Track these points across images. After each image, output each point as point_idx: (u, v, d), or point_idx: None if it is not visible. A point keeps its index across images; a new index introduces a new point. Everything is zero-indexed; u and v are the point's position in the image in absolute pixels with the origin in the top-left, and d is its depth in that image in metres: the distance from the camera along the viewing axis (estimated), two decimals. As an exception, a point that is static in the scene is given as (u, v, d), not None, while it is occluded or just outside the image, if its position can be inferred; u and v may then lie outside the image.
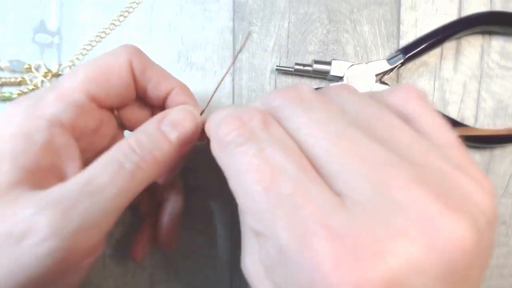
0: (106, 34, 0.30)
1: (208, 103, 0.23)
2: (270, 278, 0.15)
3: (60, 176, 0.19)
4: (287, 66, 0.29)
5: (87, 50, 0.30)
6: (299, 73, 0.29)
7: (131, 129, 0.25)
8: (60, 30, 0.29)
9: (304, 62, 0.29)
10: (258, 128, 0.15)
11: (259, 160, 0.14)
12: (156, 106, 0.24)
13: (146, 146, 0.19)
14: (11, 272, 0.16)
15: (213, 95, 0.23)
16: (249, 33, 0.19)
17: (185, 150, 0.21)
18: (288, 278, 0.13)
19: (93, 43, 0.29)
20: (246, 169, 0.15)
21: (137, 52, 0.22)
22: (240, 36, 0.30)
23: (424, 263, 0.12)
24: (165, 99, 0.23)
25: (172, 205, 0.26)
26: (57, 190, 0.17)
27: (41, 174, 0.19)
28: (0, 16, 0.29)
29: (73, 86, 0.20)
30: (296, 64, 0.29)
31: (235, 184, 0.15)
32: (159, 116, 0.21)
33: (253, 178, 0.14)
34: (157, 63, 0.29)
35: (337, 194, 0.14)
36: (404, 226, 0.12)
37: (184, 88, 0.24)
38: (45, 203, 0.17)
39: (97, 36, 0.29)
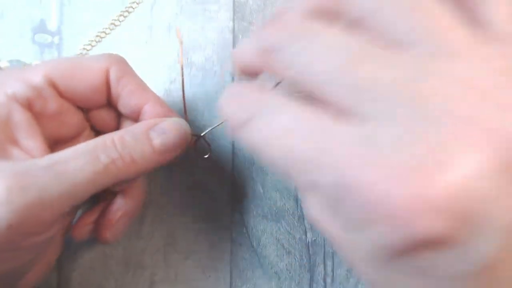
0: (106, 34, 0.30)
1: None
2: (336, 220, 0.14)
3: (23, 150, 0.20)
4: None
5: (87, 50, 0.30)
6: None
7: (98, 128, 0.25)
8: (60, 30, 0.29)
9: None
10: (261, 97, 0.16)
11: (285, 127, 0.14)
12: (125, 115, 0.24)
13: (128, 145, 0.20)
14: None
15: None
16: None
17: (167, 159, 0.22)
18: (351, 212, 0.13)
19: (93, 43, 0.30)
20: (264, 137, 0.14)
21: (120, 61, 0.23)
22: (240, 36, 0.30)
23: (488, 168, 0.11)
24: (136, 110, 0.23)
25: (121, 205, 0.25)
26: (24, 164, 0.18)
27: (2, 146, 0.19)
28: (0, 16, 0.29)
29: (36, 70, 0.21)
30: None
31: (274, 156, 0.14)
32: (150, 122, 0.22)
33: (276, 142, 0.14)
34: (157, 63, 0.30)
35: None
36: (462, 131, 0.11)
37: (161, 102, 0.24)
38: (7, 173, 0.17)
39: (97, 36, 0.29)
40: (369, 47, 0.13)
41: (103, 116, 0.24)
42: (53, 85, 0.21)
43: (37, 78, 0.21)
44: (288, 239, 0.30)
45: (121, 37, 0.30)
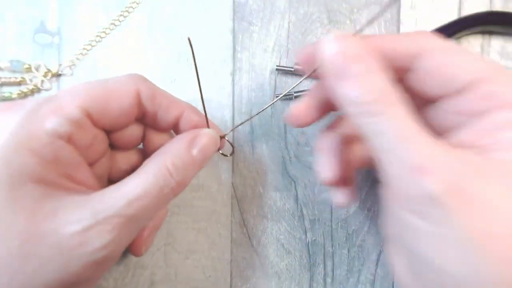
0: (106, 34, 0.30)
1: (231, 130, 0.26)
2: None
3: (77, 183, 0.21)
4: (287, 66, 0.29)
5: (87, 50, 0.30)
6: (299, 73, 0.29)
7: (117, 146, 0.25)
8: (60, 30, 0.29)
9: None
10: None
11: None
12: (163, 129, 0.25)
13: (181, 172, 0.21)
14: (60, 277, 0.18)
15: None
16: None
17: (203, 166, 0.23)
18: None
19: (93, 43, 0.29)
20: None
21: (144, 80, 0.23)
22: (240, 36, 0.30)
23: None
24: (175, 122, 0.24)
25: (156, 217, 0.26)
26: (102, 206, 0.19)
27: (59, 184, 0.20)
28: (0, 16, 0.29)
29: (69, 101, 0.20)
30: (296, 64, 0.29)
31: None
32: (188, 137, 0.23)
33: None
34: (157, 63, 0.30)
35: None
36: None
37: (194, 109, 0.24)
38: (94, 218, 0.18)
39: (97, 36, 0.29)
40: None
41: (126, 134, 0.24)
42: (88, 115, 0.21)
43: (73, 110, 0.20)
44: (288, 239, 0.30)
45: (121, 37, 0.30)
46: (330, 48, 0.18)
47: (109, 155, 0.25)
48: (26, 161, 0.18)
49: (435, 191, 0.15)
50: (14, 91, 0.29)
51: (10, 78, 0.29)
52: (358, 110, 0.18)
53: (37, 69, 0.29)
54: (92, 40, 0.29)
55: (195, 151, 0.22)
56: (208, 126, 0.24)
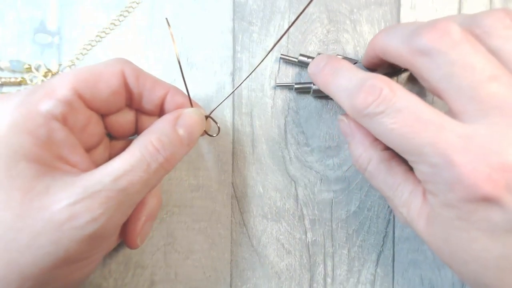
0: (106, 34, 0.30)
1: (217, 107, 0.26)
2: (426, 190, 0.21)
3: (70, 165, 0.21)
4: (292, 56, 0.29)
5: (87, 50, 0.30)
6: (303, 64, 0.29)
7: (113, 134, 0.25)
8: (60, 30, 0.29)
9: (309, 54, 0.29)
10: (389, 95, 0.20)
11: (399, 119, 0.20)
12: (150, 112, 0.25)
13: (168, 147, 0.22)
14: (50, 252, 0.19)
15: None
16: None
17: (192, 147, 0.24)
18: (439, 185, 0.19)
19: (93, 43, 0.30)
20: (391, 128, 0.20)
21: (129, 63, 0.23)
22: (240, 36, 0.30)
23: None
24: (160, 104, 0.24)
25: (149, 205, 0.25)
26: (91, 183, 0.20)
27: (53, 165, 0.20)
28: (0, 16, 0.29)
29: (62, 83, 0.21)
30: (301, 55, 0.29)
31: (385, 138, 0.21)
32: (171, 117, 0.23)
33: (399, 131, 0.20)
34: (157, 63, 0.30)
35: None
36: None
37: (178, 90, 0.25)
38: (82, 194, 0.19)
39: (97, 36, 0.29)
40: (500, 71, 0.19)
41: (119, 119, 0.25)
42: (80, 96, 0.21)
43: (66, 91, 0.21)
44: (288, 239, 0.30)
45: (121, 37, 0.30)
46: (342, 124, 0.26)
47: (107, 144, 0.25)
48: (22, 141, 0.19)
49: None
50: (14, 91, 0.29)
51: (10, 78, 0.29)
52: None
53: (37, 69, 0.29)
54: (92, 40, 0.29)
55: (180, 130, 0.23)
56: (191, 106, 0.25)
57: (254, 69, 0.26)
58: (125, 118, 0.25)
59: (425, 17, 0.30)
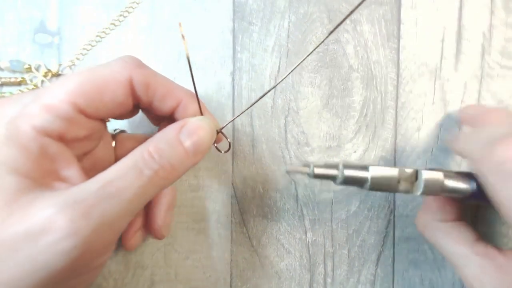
0: (106, 34, 0.30)
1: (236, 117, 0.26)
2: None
3: (62, 180, 0.20)
4: (299, 170, 0.23)
5: (87, 50, 0.30)
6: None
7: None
8: (60, 30, 0.29)
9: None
10: None
11: None
12: (162, 117, 0.24)
13: (165, 154, 0.20)
14: (28, 270, 0.17)
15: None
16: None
17: (200, 158, 0.22)
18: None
19: (93, 43, 0.29)
20: None
21: (138, 65, 0.22)
22: (240, 36, 0.30)
23: None
24: (172, 111, 0.23)
25: (165, 197, 0.26)
26: (76, 191, 0.18)
27: (44, 180, 0.19)
28: (0, 16, 0.29)
29: (60, 97, 0.19)
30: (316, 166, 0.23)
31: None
32: (177, 125, 0.21)
33: None
34: (157, 63, 0.29)
35: None
36: None
37: (192, 98, 0.23)
38: (64, 203, 0.17)
39: (97, 36, 0.29)
40: None
41: (124, 116, 0.24)
42: (81, 111, 0.20)
43: (64, 106, 0.19)
44: (288, 239, 0.30)
45: (121, 37, 0.30)
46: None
47: (109, 146, 0.25)
48: (12, 154, 0.18)
49: None
50: (14, 91, 0.29)
51: (10, 78, 0.29)
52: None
53: (37, 69, 0.29)
54: (92, 40, 0.29)
55: (184, 138, 0.21)
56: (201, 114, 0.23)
57: (294, 68, 0.23)
58: (128, 114, 0.24)
59: (425, 16, 0.30)
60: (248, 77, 0.30)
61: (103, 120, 0.23)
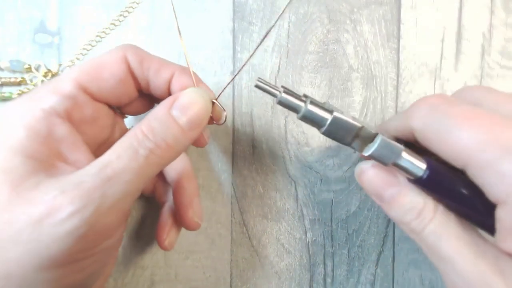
0: (106, 34, 0.30)
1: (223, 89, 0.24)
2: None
3: (69, 163, 0.20)
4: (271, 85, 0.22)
5: (87, 50, 0.30)
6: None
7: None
8: (60, 30, 0.29)
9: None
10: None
11: None
12: (162, 99, 0.24)
13: (158, 132, 0.20)
14: (33, 251, 0.17)
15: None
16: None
17: (197, 133, 0.21)
18: None
19: (93, 43, 0.29)
20: None
21: (133, 47, 0.22)
22: (240, 36, 0.30)
23: None
24: (167, 84, 0.23)
25: (188, 187, 0.26)
26: (77, 175, 0.18)
27: (51, 162, 0.19)
28: (0, 16, 0.29)
29: (65, 79, 0.21)
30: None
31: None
32: (168, 100, 0.21)
33: None
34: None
35: None
36: None
37: (185, 70, 0.23)
38: (66, 186, 0.18)
39: (97, 36, 0.29)
40: None
41: (138, 110, 0.24)
42: (85, 90, 0.21)
43: (69, 86, 0.20)
44: (288, 239, 0.30)
45: (121, 37, 0.30)
46: (367, 177, 0.22)
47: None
48: (20, 136, 0.19)
49: None
50: (14, 91, 0.29)
51: (10, 78, 0.29)
52: (403, 226, 0.21)
53: (37, 69, 0.29)
54: (92, 40, 0.29)
55: (175, 112, 0.20)
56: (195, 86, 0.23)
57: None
58: (143, 107, 0.24)
59: (425, 17, 0.30)
60: (248, 77, 0.30)
61: (111, 107, 0.23)
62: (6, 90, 0.29)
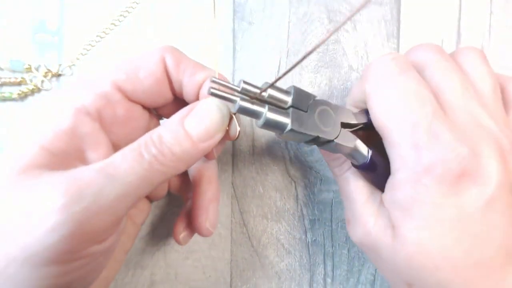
0: (106, 34, 0.30)
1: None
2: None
3: (84, 162, 0.20)
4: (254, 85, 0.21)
5: (87, 50, 0.30)
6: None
7: None
8: (60, 30, 0.29)
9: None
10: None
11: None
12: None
13: (166, 141, 0.19)
14: (24, 243, 0.17)
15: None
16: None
17: (210, 145, 0.20)
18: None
19: (93, 43, 0.29)
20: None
21: (172, 49, 0.22)
22: (240, 36, 0.30)
23: None
24: (201, 86, 0.22)
25: (208, 191, 0.25)
26: (80, 170, 0.18)
27: (65, 157, 0.19)
28: (0, 16, 0.29)
29: (101, 76, 0.21)
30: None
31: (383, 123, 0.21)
32: (183, 111, 0.20)
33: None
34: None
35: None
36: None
37: (219, 76, 0.23)
38: (60, 181, 0.17)
39: (97, 36, 0.29)
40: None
41: (174, 113, 0.22)
42: (120, 89, 0.21)
43: (103, 84, 0.21)
44: (288, 239, 0.30)
45: (121, 37, 0.30)
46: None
47: None
48: (43, 129, 0.19)
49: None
50: (14, 91, 0.29)
51: (10, 78, 0.29)
52: (330, 169, 0.26)
53: (37, 69, 0.29)
54: (92, 40, 0.29)
55: (188, 123, 0.20)
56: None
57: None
58: (177, 110, 0.22)
59: (425, 16, 0.30)
60: (248, 77, 0.30)
61: (147, 108, 0.23)
62: (6, 90, 0.29)
